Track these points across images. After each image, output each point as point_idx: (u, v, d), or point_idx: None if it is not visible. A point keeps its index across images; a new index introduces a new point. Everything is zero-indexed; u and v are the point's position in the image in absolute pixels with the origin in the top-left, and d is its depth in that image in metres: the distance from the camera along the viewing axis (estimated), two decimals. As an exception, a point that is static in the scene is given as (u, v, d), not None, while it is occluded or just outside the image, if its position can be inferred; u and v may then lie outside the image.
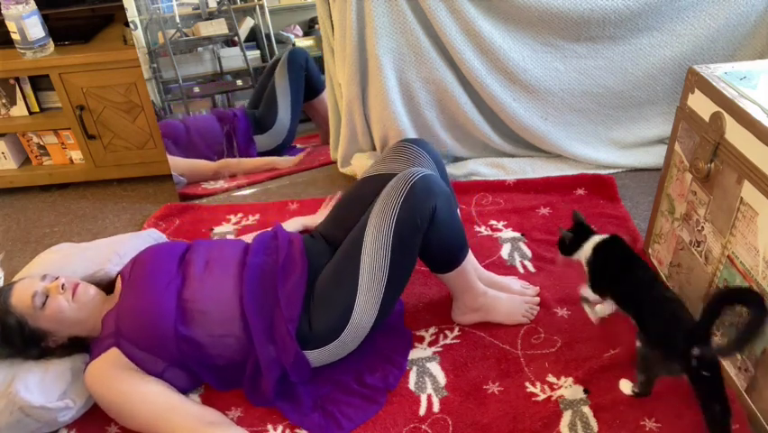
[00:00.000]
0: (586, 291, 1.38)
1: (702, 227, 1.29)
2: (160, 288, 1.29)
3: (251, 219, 1.98)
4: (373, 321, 1.29)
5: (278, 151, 2.28)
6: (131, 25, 2.01)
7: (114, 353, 1.26)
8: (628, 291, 1.25)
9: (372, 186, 1.42)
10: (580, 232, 1.38)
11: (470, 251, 1.40)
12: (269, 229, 1.51)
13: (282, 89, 2.21)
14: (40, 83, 2.16)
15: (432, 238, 1.29)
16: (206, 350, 1.28)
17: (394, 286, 1.29)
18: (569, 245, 1.38)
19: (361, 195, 1.45)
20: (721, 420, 1.07)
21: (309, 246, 1.41)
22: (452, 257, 1.36)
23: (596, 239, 1.35)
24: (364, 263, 1.26)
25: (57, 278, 1.32)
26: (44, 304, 1.27)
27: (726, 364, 1.23)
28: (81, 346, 1.34)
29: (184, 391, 1.32)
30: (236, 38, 2.16)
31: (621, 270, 1.27)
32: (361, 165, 2.07)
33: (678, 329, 1.11)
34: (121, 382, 1.23)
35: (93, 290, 1.35)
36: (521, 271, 1.63)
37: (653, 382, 1.21)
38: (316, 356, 1.30)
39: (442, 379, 1.35)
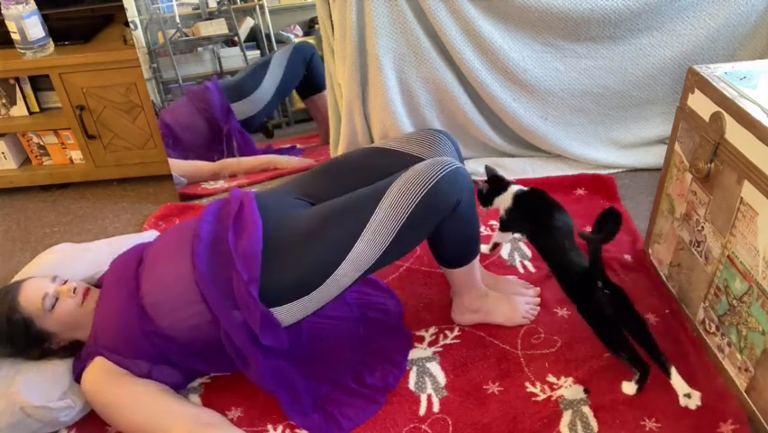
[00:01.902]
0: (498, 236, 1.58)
1: (702, 227, 1.29)
2: (121, 295, 1.29)
3: (251, 219, 1.98)
4: (349, 284, 1.27)
5: (249, 124, 2.23)
6: (131, 25, 2.02)
7: (100, 361, 1.26)
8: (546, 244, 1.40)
9: (389, 159, 1.42)
10: (496, 184, 1.51)
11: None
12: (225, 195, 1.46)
13: (277, 64, 2.19)
14: (40, 83, 2.16)
15: (449, 229, 1.29)
16: (178, 340, 1.26)
17: (387, 257, 1.27)
18: (485, 197, 1.51)
19: (373, 164, 1.44)
20: (643, 333, 1.24)
21: (266, 203, 1.36)
22: (463, 254, 1.37)
23: (515, 189, 1.47)
24: (371, 225, 1.23)
25: (66, 281, 1.33)
26: (53, 306, 1.27)
27: (727, 365, 1.23)
28: (81, 349, 1.33)
29: (180, 386, 1.32)
30: (236, 38, 2.16)
31: (541, 222, 1.41)
32: (361, 165, 2.07)
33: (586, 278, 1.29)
34: (115, 387, 1.23)
35: (98, 295, 1.35)
36: (521, 271, 1.63)
37: (636, 351, 1.23)
38: (287, 313, 1.25)
39: (442, 379, 1.35)
